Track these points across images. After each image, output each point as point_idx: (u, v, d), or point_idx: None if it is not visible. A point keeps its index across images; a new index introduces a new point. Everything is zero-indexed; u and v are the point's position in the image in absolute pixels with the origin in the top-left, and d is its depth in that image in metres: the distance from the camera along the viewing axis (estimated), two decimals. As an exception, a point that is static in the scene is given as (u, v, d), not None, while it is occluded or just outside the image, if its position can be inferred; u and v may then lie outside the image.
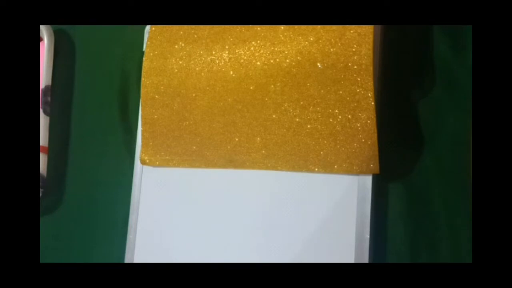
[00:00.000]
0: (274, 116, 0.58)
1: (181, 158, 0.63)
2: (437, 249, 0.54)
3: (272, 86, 0.57)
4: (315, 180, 0.58)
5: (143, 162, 0.64)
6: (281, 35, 0.57)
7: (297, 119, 0.57)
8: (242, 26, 0.59)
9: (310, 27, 0.56)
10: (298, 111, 0.57)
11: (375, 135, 0.54)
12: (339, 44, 0.54)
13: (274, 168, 0.59)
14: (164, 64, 0.61)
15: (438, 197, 0.55)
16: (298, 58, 0.56)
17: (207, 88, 0.60)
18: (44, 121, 0.66)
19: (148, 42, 0.62)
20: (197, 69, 0.60)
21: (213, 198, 0.62)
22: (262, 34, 0.58)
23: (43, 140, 0.66)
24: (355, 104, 0.54)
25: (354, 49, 0.54)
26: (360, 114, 0.55)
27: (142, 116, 0.63)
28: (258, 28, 0.58)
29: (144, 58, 0.62)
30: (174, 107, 0.61)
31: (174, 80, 0.61)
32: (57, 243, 0.71)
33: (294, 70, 0.56)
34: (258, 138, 0.59)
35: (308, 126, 0.57)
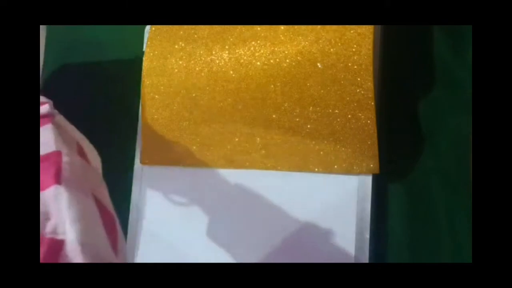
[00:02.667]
0: (274, 116, 0.58)
1: (181, 158, 0.63)
2: (437, 249, 0.54)
3: (272, 86, 0.57)
4: (315, 180, 0.58)
5: (143, 162, 0.64)
6: (281, 35, 0.57)
7: (297, 119, 0.57)
8: (242, 26, 0.59)
9: (310, 27, 0.56)
10: (298, 111, 0.57)
11: (375, 135, 0.54)
12: (339, 44, 0.54)
13: (274, 168, 0.59)
14: (164, 64, 0.61)
15: (438, 197, 0.55)
16: (298, 58, 0.56)
17: (207, 88, 0.60)
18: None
19: (148, 42, 0.62)
20: (197, 69, 0.60)
21: (213, 198, 0.62)
22: (262, 34, 0.58)
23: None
24: (355, 104, 0.54)
25: (354, 49, 0.54)
26: (360, 114, 0.55)
27: (142, 116, 0.63)
28: (258, 28, 0.58)
29: (144, 58, 0.62)
30: (174, 107, 0.61)
31: (174, 80, 0.61)
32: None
33: (294, 70, 0.56)
34: (258, 138, 0.59)
35: (308, 126, 0.57)
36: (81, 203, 0.41)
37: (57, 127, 0.46)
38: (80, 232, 0.39)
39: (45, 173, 0.42)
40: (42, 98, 0.49)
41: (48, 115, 0.47)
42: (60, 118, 0.48)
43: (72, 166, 0.43)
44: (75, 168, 0.43)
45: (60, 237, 0.39)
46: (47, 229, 0.39)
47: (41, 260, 0.37)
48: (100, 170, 0.51)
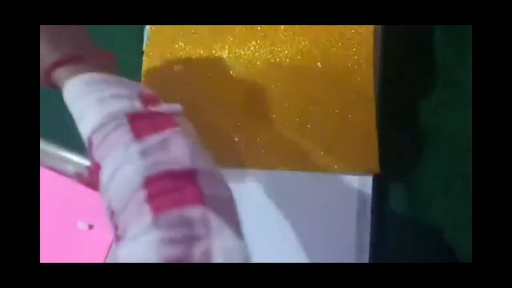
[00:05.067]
0: (274, 116, 0.58)
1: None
2: (437, 249, 0.54)
3: (272, 85, 0.57)
4: (315, 180, 0.58)
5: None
6: (281, 35, 0.57)
7: (297, 119, 0.57)
8: (242, 26, 0.59)
9: (310, 27, 0.56)
10: (298, 111, 0.57)
11: (375, 135, 0.54)
12: (340, 44, 0.54)
13: (274, 167, 0.59)
14: (164, 63, 0.61)
15: (438, 197, 0.55)
16: (298, 57, 0.56)
17: (207, 87, 0.60)
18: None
19: (148, 42, 0.62)
20: (197, 68, 0.60)
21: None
22: (262, 34, 0.58)
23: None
24: (356, 104, 0.54)
25: (354, 49, 0.54)
26: (360, 114, 0.55)
27: (142, 116, 0.63)
28: (258, 28, 0.58)
29: (144, 58, 0.62)
30: (174, 107, 0.61)
31: (174, 80, 0.61)
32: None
33: (294, 70, 0.56)
34: (258, 138, 0.59)
35: (308, 126, 0.57)
36: (232, 239, 0.37)
37: (185, 133, 0.41)
38: None
39: (185, 190, 0.37)
40: (146, 89, 0.44)
41: (171, 115, 0.42)
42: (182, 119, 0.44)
43: (213, 191, 0.39)
44: (216, 192, 0.40)
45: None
46: (194, 256, 0.35)
47: None
48: None
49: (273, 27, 0.58)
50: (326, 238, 0.56)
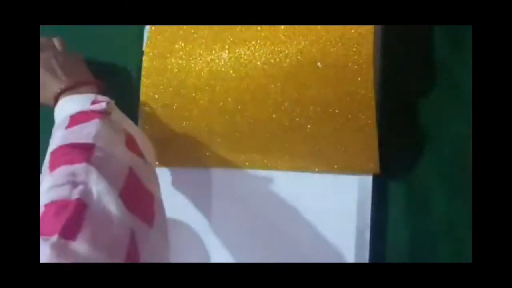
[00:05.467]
0: (274, 116, 0.58)
1: (181, 158, 0.63)
2: (437, 249, 0.54)
3: (272, 85, 0.57)
4: (315, 180, 0.58)
5: (143, 162, 0.64)
6: (281, 35, 0.57)
7: (297, 119, 0.57)
8: (242, 26, 0.59)
9: (310, 26, 0.56)
10: (298, 111, 0.57)
11: (375, 135, 0.54)
12: (340, 44, 0.54)
13: (274, 168, 0.59)
14: (164, 63, 0.61)
15: (438, 197, 0.55)
16: (299, 57, 0.56)
17: (207, 88, 0.59)
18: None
19: (148, 42, 0.62)
20: (197, 68, 0.60)
21: (212, 198, 0.62)
22: (262, 34, 0.58)
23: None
24: (356, 104, 0.54)
25: (354, 49, 0.54)
26: (360, 114, 0.54)
27: (142, 116, 0.63)
28: (258, 27, 0.58)
29: (144, 58, 0.62)
30: (174, 107, 0.61)
31: (174, 80, 0.61)
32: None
33: (294, 69, 0.56)
34: (258, 138, 0.59)
35: (308, 126, 0.57)
36: (107, 182, 0.46)
37: (107, 124, 0.52)
38: (107, 202, 0.44)
39: (77, 154, 0.47)
40: (100, 97, 0.55)
41: (100, 112, 0.53)
42: (115, 116, 0.54)
43: (102, 160, 0.48)
44: (105, 162, 0.48)
45: (86, 201, 0.43)
46: (73, 194, 0.43)
47: (65, 222, 0.41)
48: (154, 161, 0.58)
49: (273, 27, 0.57)
50: (326, 238, 0.56)
